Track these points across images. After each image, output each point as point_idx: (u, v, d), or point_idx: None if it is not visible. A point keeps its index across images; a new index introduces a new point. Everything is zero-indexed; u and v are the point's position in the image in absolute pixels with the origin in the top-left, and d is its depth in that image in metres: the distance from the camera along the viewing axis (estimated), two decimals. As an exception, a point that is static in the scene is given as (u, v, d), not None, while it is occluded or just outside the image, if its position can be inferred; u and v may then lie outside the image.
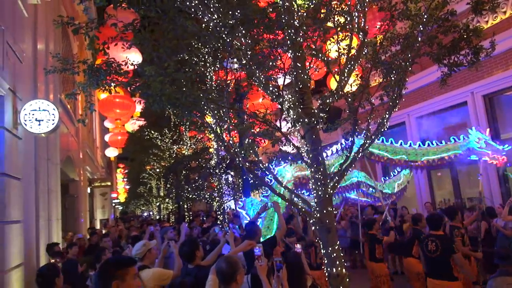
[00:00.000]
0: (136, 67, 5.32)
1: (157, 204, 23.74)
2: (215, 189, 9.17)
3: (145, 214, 36.22)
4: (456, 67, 4.45)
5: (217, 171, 9.09)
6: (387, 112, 4.10)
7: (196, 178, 10.91)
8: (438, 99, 10.59)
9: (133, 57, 6.70)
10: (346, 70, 4.12)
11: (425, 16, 3.75)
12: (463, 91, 9.85)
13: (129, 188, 33.96)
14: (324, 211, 4.02)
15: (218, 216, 9.05)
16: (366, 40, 4.22)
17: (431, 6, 3.86)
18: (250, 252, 4.00)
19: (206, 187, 9.24)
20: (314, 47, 4.38)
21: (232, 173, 10.43)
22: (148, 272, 3.93)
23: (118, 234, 10.04)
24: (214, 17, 3.99)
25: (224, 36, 3.90)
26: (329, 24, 4.50)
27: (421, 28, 3.81)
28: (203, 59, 5.94)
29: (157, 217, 25.04)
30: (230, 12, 4.01)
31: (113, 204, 30.20)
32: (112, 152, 18.77)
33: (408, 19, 4.02)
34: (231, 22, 3.97)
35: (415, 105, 11.51)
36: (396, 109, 4.15)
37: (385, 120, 4.12)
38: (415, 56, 4.14)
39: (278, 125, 4.35)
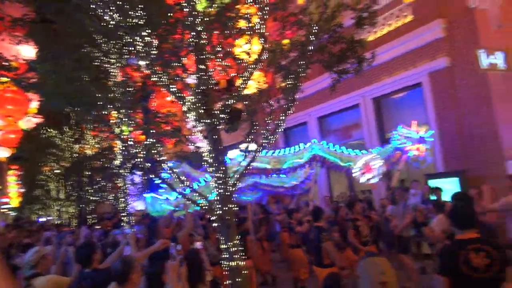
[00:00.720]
0: (28, 62, 4.95)
1: (57, 208, 21.97)
2: (120, 190, 8.87)
3: (43, 219, 33.25)
4: (344, 74, 4.97)
5: (121, 171, 8.80)
6: (283, 114, 4.41)
7: (99, 179, 10.41)
8: (335, 101, 11.49)
9: (28, 51, 6.18)
10: (246, 73, 4.35)
11: (315, 28, 4.13)
12: (356, 94, 10.84)
13: (23, 192, 30.83)
14: (225, 208, 4.20)
15: (123, 218, 8.77)
16: (265, 45, 4.50)
17: (321, 19, 4.26)
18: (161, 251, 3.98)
19: (110, 188, 8.88)
20: (219, 49, 4.53)
21: (138, 173, 10.16)
22: (42, 280, 3.73)
23: (9, 243, 9.15)
24: (115, 16, 3.91)
25: (125, 35, 3.85)
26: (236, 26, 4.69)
27: (312, 38, 4.18)
28: (106, 56, 5.73)
29: (57, 221, 23.20)
30: (134, 12, 3.96)
31: (4, 210, 27.20)
32: (2, 153, 16.91)
33: (301, 29, 4.37)
34: (133, 21, 3.93)
35: (316, 106, 12.33)
36: (291, 112, 4.48)
37: (280, 122, 4.43)
38: (308, 63, 4.52)
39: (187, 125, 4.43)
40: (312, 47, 4.47)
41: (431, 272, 6.77)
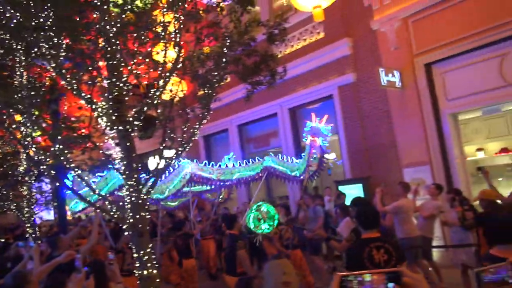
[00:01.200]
0: None
1: None
2: (24, 198, 8.21)
3: None
4: (258, 86, 5.22)
5: (26, 178, 8.17)
6: (198, 123, 4.51)
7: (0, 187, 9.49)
8: (255, 110, 11.86)
9: None
10: (161, 81, 4.37)
11: (228, 41, 4.31)
12: (274, 104, 11.32)
13: None
14: (137, 216, 4.16)
15: (28, 229, 8.12)
16: (181, 54, 4.56)
17: (235, 32, 4.45)
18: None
19: (12, 197, 8.16)
20: (134, 54, 4.49)
21: (46, 180, 9.48)
22: None
23: None
24: (17, 15, 3.70)
25: (27, 36, 3.67)
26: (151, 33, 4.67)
27: (225, 50, 4.35)
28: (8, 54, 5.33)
29: None
30: (40, 12, 3.78)
31: None
32: None
33: (216, 41, 4.52)
34: (38, 21, 3.75)
35: (236, 114, 12.60)
36: (206, 120, 4.60)
37: (195, 130, 4.52)
38: (223, 73, 4.69)
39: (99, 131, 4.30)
40: (227, 59, 4.65)
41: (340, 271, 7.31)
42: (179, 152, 4.61)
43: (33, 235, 7.89)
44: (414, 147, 8.36)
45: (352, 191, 8.93)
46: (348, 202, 8.39)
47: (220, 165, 7.97)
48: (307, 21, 10.39)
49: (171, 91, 4.42)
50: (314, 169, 8.41)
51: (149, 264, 4.12)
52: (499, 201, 5.40)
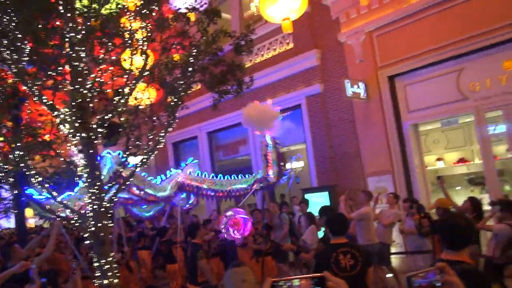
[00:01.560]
0: None
1: None
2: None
3: None
4: (225, 95, 5.29)
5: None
6: (163, 131, 4.52)
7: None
8: (224, 117, 11.90)
9: None
10: (127, 88, 4.36)
11: (195, 51, 4.36)
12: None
13: None
14: (99, 224, 4.11)
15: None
16: (147, 62, 4.57)
17: (202, 41, 4.51)
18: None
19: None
20: (100, 61, 4.46)
21: (6, 186, 9.15)
22: None
23: None
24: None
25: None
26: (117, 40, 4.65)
27: (191, 60, 4.40)
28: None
29: None
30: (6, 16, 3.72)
31: None
32: None
33: (183, 50, 4.57)
34: (1, 25, 3.69)
35: (206, 121, 12.60)
36: (172, 128, 4.62)
37: (160, 138, 4.53)
38: (190, 82, 4.73)
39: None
40: (194, 68, 4.70)
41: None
42: (144, 160, 4.60)
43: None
44: (377, 156, 8.64)
45: (319, 199, 9.11)
46: (310, 209, 8.62)
47: (212, 176, 7.98)
48: (277, 31, 10.55)
49: (136, 98, 4.40)
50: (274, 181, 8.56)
51: (109, 273, 4.07)
52: (453, 209, 5.68)
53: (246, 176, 8.38)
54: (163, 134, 4.51)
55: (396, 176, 8.42)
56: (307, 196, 9.46)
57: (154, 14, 4.22)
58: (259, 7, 6.98)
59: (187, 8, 4.36)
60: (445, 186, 6.56)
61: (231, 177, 8.14)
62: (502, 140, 7.72)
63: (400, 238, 7.63)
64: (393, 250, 7.69)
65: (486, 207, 7.06)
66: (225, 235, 6.51)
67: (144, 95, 4.64)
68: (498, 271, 5.27)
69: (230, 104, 11.72)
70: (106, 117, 4.19)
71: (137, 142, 4.78)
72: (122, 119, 4.28)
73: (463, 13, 7.41)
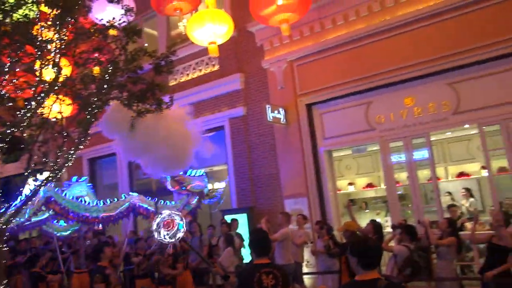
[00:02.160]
0: None
1: None
2: None
3: None
4: (145, 113, 5.18)
5: None
6: (73, 148, 4.29)
7: None
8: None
9: None
10: (33, 102, 4.10)
11: (111, 67, 4.26)
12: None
13: None
14: (-8, 248, 3.74)
15: None
16: (60, 75, 4.35)
17: (121, 59, 4.42)
18: None
19: None
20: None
21: None
22: None
23: None
24: None
25: None
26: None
27: (107, 77, 4.28)
28: None
29: None
30: None
31: None
32: None
33: (100, 65, 4.43)
34: None
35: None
36: (83, 146, 4.41)
37: (71, 156, 4.29)
38: (106, 99, 4.58)
39: None
40: (110, 84, 4.57)
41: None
42: (50, 178, 4.31)
43: None
44: (294, 179, 9.00)
45: (238, 220, 9.20)
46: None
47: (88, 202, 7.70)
48: (204, 52, 10.59)
49: (42, 114, 4.14)
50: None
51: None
52: (358, 232, 6.11)
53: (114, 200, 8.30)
54: (72, 151, 4.27)
55: (311, 199, 8.83)
56: (226, 217, 9.52)
57: (70, 26, 4.04)
58: (186, 29, 7.03)
59: (103, 25, 4.25)
60: (352, 210, 7.04)
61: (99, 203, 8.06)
62: (404, 168, 8.51)
63: (313, 258, 7.96)
64: (306, 270, 8.01)
65: (389, 229, 7.73)
66: (156, 237, 6.31)
67: (50, 109, 4.36)
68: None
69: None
70: (8, 131, 3.87)
71: (43, 159, 4.47)
72: (25, 134, 3.99)
73: (372, 52, 8.19)
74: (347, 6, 8.41)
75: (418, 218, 6.67)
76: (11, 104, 4.06)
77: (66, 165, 4.32)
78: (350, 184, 11.30)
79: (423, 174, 8.72)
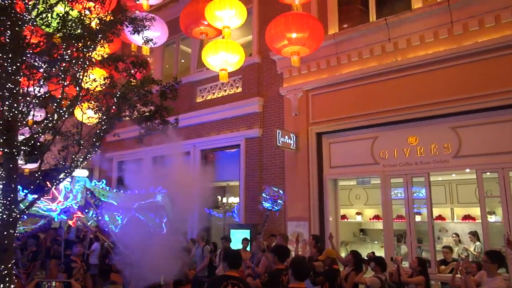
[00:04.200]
0: None
1: None
2: None
3: None
4: (152, 131, 5.92)
5: None
6: (81, 156, 5.05)
7: None
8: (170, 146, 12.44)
9: None
10: (55, 115, 4.90)
11: (118, 92, 5.00)
12: (189, 143, 12.01)
13: None
14: (5, 233, 4.52)
15: None
16: (80, 94, 5.15)
17: (134, 84, 5.17)
18: None
19: None
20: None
21: None
22: None
23: None
24: None
25: None
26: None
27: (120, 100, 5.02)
28: None
29: None
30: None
31: None
32: None
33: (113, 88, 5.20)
34: None
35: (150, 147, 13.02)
36: (91, 156, 5.16)
37: (80, 162, 5.05)
38: (118, 118, 5.34)
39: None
40: (124, 104, 5.32)
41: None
42: (62, 178, 5.09)
43: None
44: (298, 203, 9.42)
45: (242, 236, 9.73)
46: (234, 245, 9.24)
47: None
48: (229, 74, 11.45)
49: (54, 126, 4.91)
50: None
51: (7, 279, 4.45)
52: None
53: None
54: (82, 159, 5.02)
55: (312, 223, 9.20)
56: (232, 231, 10.08)
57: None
58: (202, 54, 7.76)
59: (111, 59, 5.02)
60: (332, 240, 7.43)
61: None
62: (402, 204, 8.70)
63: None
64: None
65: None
66: None
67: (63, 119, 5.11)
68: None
69: (177, 134, 12.38)
70: (31, 137, 4.69)
71: (61, 162, 5.27)
72: (45, 140, 4.80)
73: (381, 90, 8.55)
74: (363, 44, 8.84)
75: (392, 256, 6.91)
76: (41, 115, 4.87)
77: (75, 169, 5.07)
78: (358, 213, 11.52)
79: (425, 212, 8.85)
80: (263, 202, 8.71)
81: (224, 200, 13.02)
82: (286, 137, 9.40)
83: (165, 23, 9.41)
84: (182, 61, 14.13)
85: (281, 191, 8.94)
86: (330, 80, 9.31)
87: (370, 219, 11.20)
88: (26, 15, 4.77)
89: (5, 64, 4.28)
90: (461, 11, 7.66)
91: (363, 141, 8.92)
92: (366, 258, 6.26)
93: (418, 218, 9.03)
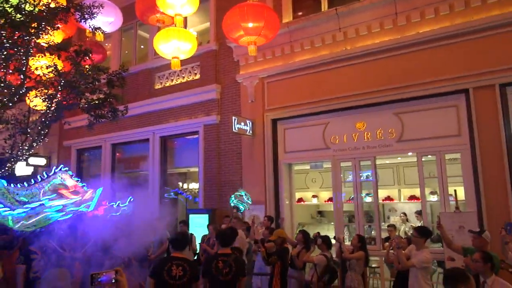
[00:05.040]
0: None
1: None
2: None
3: None
4: (101, 119, 5.98)
5: None
6: (28, 144, 5.08)
7: None
8: (130, 132, 12.42)
9: None
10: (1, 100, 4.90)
11: (62, 82, 5.05)
12: (147, 130, 12.02)
13: None
14: None
15: None
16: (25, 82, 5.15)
17: (77, 72, 5.21)
18: None
19: None
20: None
21: None
22: None
23: None
24: None
25: None
26: None
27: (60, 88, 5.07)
28: None
29: None
30: None
31: None
32: None
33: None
34: None
35: (110, 134, 12.95)
36: (37, 145, 5.19)
37: (26, 151, 5.07)
38: (65, 106, 5.37)
39: None
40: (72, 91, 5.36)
41: None
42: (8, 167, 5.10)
43: None
44: (255, 187, 9.70)
45: (200, 220, 9.96)
46: (192, 229, 9.48)
47: None
48: (188, 61, 11.45)
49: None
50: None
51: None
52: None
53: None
54: (27, 147, 5.05)
55: (268, 206, 9.54)
56: (191, 216, 10.29)
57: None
58: (153, 42, 7.78)
59: (54, 48, 5.04)
60: (283, 224, 7.81)
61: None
62: (350, 186, 9.18)
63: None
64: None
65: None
66: None
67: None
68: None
69: (136, 121, 12.35)
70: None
71: (7, 151, 5.26)
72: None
73: (332, 77, 8.90)
74: (315, 33, 9.13)
75: (335, 235, 7.36)
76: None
77: (22, 157, 5.10)
78: (314, 196, 11.99)
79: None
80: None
81: (185, 186, 13.16)
82: (242, 123, 9.62)
83: (119, 8, 9.30)
84: (142, 47, 13.96)
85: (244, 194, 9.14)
86: (284, 68, 9.57)
87: (325, 201, 11.69)
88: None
89: None
90: (405, 3, 8.06)
91: (315, 127, 9.28)
92: (313, 238, 6.63)
93: (369, 199, 9.60)
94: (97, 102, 5.68)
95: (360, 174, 8.72)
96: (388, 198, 10.78)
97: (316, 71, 9.18)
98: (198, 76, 11.34)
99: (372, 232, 9.68)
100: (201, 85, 11.02)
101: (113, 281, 2.20)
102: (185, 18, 9.49)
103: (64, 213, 6.19)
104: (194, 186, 12.85)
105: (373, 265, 8.37)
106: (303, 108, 9.31)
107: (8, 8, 4.64)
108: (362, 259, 6.13)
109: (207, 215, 10.07)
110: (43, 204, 5.19)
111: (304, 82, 9.33)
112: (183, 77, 11.71)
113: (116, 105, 5.87)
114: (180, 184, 13.30)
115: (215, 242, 8.10)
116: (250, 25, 7.46)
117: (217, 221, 9.90)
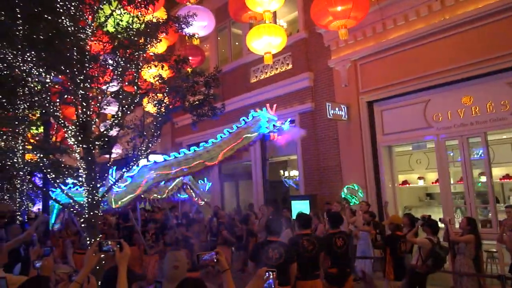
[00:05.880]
0: None
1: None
2: (17, 191, 9.59)
3: None
4: (202, 117, 6.60)
5: (21, 173, 9.56)
6: (144, 146, 5.87)
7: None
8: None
9: None
10: (119, 112, 5.75)
11: (167, 88, 5.68)
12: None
13: None
14: (92, 213, 5.52)
15: (18, 217, 9.50)
16: (138, 92, 5.94)
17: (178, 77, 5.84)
18: None
19: (7, 189, 9.51)
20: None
21: (39, 175, 10.86)
22: None
23: None
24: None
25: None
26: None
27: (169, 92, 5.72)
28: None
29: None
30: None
31: None
32: None
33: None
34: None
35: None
36: (153, 145, 5.97)
37: (144, 151, 5.87)
38: (172, 108, 6.07)
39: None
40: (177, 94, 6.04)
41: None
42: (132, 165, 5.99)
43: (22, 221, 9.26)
44: (354, 171, 9.65)
45: (301, 206, 10.25)
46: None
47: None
48: (280, 52, 11.75)
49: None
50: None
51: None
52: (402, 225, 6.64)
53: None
54: (144, 148, 5.85)
55: (368, 189, 9.40)
56: (293, 202, 10.64)
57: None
58: (246, 40, 8.20)
59: (158, 60, 5.69)
60: (387, 208, 7.59)
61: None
62: (459, 166, 8.53)
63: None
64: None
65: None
66: None
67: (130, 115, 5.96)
68: (421, 278, 6.24)
69: (239, 114, 13.07)
70: (102, 134, 5.60)
71: (130, 152, 6.17)
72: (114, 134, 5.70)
73: (431, 52, 8.33)
74: (408, 6, 8.62)
75: (441, 217, 6.93)
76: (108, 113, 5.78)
77: (140, 158, 5.92)
78: (420, 178, 11.39)
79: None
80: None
81: (286, 173, 13.59)
82: (337, 108, 9.59)
83: (212, 10, 9.97)
84: (236, 43, 14.66)
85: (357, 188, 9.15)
86: (377, 48, 9.24)
87: (432, 182, 11.02)
88: (88, 29, 5.59)
89: (74, 75, 5.15)
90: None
91: (415, 105, 8.82)
92: (419, 218, 6.34)
93: (483, 179, 8.83)
94: (197, 102, 6.26)
95: (471, 152, 8.05)
96: (507, 176, 9.74)
97: (412, 47, 8.69)
98: (290, 66, 11.55)
99: (490, 215, 8.90)
100: (294, 74, 11.21)
101: (215, 260, 2.59)
102: (274, 11, 9.77)
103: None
104: (295, 173, 13.20)
105: (490, 249, 7.74)
106: (400, 87, 8.91)
107: (119, 29, 5.41)
108: (472, 243, 5.74)
109: (308, 201, 10.32)
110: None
111: (399, 60, 8.91)
112: (276, 68, 12.03)
113: (214, 103, 6.39)
114: (281, 172, 13.77)
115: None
116: (339, 8, 7.43)
117: (318, 207, 10.10)
